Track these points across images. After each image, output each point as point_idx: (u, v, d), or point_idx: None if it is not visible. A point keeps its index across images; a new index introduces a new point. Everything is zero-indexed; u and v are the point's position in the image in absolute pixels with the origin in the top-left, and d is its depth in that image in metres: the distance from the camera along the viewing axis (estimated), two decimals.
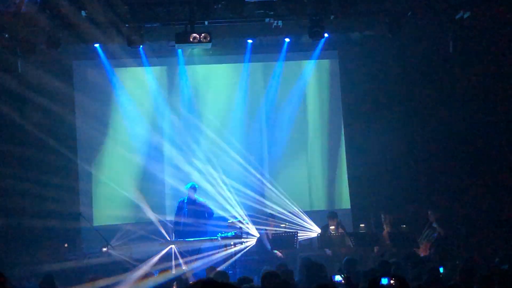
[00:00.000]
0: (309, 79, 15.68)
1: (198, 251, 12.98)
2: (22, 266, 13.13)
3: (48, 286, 9.63)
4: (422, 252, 12.54)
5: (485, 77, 14.08)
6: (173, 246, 13.00)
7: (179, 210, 13.35)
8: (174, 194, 14.49)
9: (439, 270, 8.75)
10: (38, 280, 12.04)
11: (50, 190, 13.70)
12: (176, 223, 13.33)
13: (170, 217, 13.98)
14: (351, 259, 10.12)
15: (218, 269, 10.76)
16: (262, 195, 14.98)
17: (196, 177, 14.46)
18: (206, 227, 13.30)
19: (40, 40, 13.08)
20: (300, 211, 14.72)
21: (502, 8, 12.98)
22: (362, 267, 11.08)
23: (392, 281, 5.52)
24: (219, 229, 13.37)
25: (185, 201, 13.37)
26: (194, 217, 13.12)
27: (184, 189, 13.63)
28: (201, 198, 13.61)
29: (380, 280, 5.68)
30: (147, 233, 13.71)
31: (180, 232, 13.15)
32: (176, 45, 13.35)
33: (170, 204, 14.47)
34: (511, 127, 13.94)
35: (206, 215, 13.43)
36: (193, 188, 13.44)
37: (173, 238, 13.24)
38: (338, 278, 7.47)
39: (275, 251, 13.37)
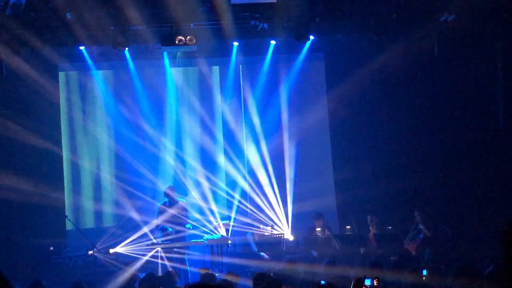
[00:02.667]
0: (295, 82, 15.68)
1: (185, 253, 13.00)
2: (7, 269, 13.07)
3: None
4: None
5: (470, 79, 14.16)
6: (159, 248, 13.01)
7: (160, 214, 13.24)
8: (156, 195, 14.48)
9: (421, 272, 8.80)
10: (23, 283, 12.03)
11: (36, 192, 13.64)
12: (160, 227, 13.23)
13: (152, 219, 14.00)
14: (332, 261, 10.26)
15: (205, 271, 10.80)
16: (248, 197, 15.00)
17: (181, 179, 14.47)
18: (186, 232, 13.24)
19: (25, 42, 13.03)
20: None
21: (486, 10, 13.07)
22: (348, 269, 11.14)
23: (375, 282, 5.57)
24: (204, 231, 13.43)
25: (167, 204, 13.26)
26: (175, 221, 13.05)
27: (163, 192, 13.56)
28: (181, 198, 13.52)
29: (364, 281, 5.73)
30: (133, 236, 13.69)
31: (163, 236, 13.12)
32: (162, 47, 13.35)
33: (153, 205, 14.47)
34: (497, 128, 14.02)
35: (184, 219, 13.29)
36: (172, 189, 13.34)
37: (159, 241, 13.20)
38: (322, 283, 7.51)
39: (262, 253, 13.38)
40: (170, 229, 13.02)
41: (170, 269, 11.81)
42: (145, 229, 13.64)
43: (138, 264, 12.64)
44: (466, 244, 13.04)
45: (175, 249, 12.91)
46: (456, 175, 14.34)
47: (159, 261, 12.81)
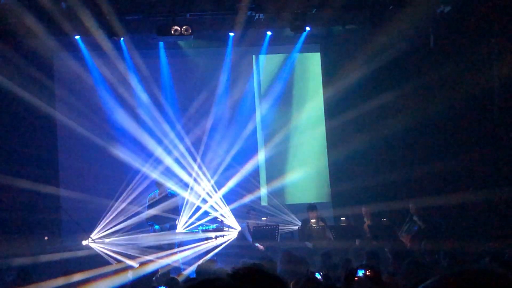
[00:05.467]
0: (291, 73, 15.68)
1: (179, 244, 13.00)
2: (1, 259, 13.08)
3: (25, 279, 9.60)
4: None
5: (465, 71, 14.16)
6: (154, 238, 13.01)
7: (150, 206, 13.20)
8: (152, 186, 14.49)
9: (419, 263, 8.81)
10: (17, 273, 12.01)
11: (30, 182, 13.62)
12: (150, 223, 13.20)
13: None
14: (326, 253, 10.31)
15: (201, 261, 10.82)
16: (243, 188, 14.99)
17: (176, 170, 14.45)
18: (176, 220, 13.18)
19: (20, 32, 12.98)
20: (281, 205, 14.79)
21: (481, 2, 13.06)
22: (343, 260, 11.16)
23: (368, 272, 5.58)
24: (200, 222, 13.43)
25: (156, 196, 13.21)
26: (166, 211, 13.01)
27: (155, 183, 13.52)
28: (173, 191, 13.46)
29: (356, 272, 5.73)
30: (128, 226, 13.68)
31: (154, 226, 13.07)
32: (158, 37, 13.33)
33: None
34: (491, 121, 14.03)
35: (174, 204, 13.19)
36: (161, 180, 13.27)
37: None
38: (318, 275, 7.52)
39: (257, 244, 13.39)
40: (157, 227, 12.96)
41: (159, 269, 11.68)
42: (139, 220, 13.66)
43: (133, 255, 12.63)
44: (461, 236, 13.06)
45: (170, 240, 12.90)
46: (451, 166, 14.34)
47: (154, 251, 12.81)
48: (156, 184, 13.24)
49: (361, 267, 5.69)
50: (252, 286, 2.00)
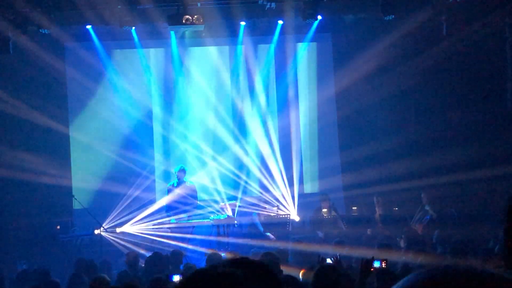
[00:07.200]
0: (302, 62, 15.61)
1: (191, 233, 13.03)
2: (13, 248, 13.16)
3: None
4: None
5: (478, 60, 14.08)
6: (166, 227, 13.04)
7: (168, 194, 13.32)
8: (164, 175, 14.53)
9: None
10: (30, 262, 12.10)
11: (42, 170, 13.67)
12: (166, 207, 13.30)
13: (160, 198, 14.02)
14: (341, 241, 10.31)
15: (212, 251, 10.83)
16: (255, 178, 14.99)
17: (187, 159, 14.47)
18: (192, 212, 13.25)
19: (32, 21, 12.97)
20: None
21: None
22: (355, 249, 11.16)
23: (383, 264, 5.56)
24: (211, 211, 13.47)
25: (175, 185, 13.30)
26: (182, 201, 13.07)
27: (173, 171, 13.57)
28: (191, 181, 13.54)
29: (373, 262, 5.72)
30: (140, 215, 13.71)
31: (169, 216, 13.15)
32: (169, 26, 13.29)
33: (160, 185, 14.51)
34: (503, 109, 13.97)
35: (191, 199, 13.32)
36: (183, 170, 13.36)
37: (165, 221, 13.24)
38: (328, 261, 7.53)
39: (268, 234, 13.39)
40: (173, 220, 13.05)
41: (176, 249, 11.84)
42: (152, 209, 13.69)
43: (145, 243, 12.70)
44: (473, 225, 13.02)
45: (181, 230, 12.95)
46: (463, 156, 14.29)
47: (165, 240, 12.85)
48: (176, 173, 13.30)
49: (377, 259, 5.68)
50: (242, 272, 2.08)
